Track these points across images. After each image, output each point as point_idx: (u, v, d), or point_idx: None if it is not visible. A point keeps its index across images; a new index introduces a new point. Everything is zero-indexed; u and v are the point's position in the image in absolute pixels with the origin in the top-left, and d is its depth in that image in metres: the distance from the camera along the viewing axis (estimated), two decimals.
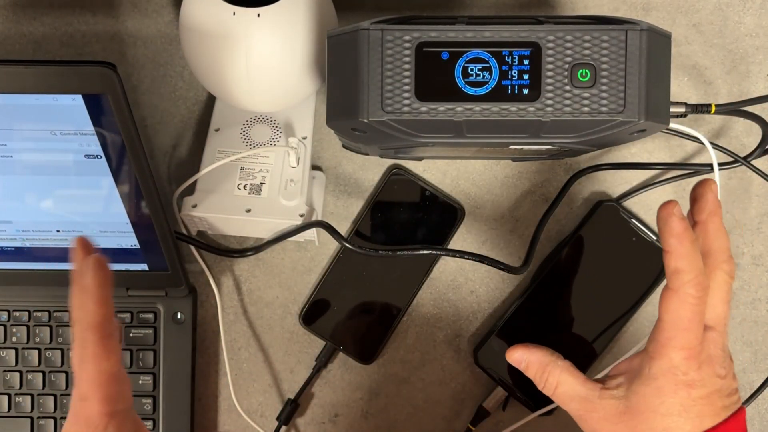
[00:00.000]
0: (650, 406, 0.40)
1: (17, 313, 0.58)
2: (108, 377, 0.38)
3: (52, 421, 0.58)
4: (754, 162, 0.58)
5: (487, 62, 0.42)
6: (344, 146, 0.57)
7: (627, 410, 0.41)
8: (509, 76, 0.42)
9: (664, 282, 0.41)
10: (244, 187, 0.57)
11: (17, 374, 0.58)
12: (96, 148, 0.49)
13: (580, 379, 0.44)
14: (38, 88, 0.46)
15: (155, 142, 0.62)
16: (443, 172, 0.62)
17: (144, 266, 0.56)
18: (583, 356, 0.59)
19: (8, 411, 0.58)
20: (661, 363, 0.40)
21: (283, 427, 0.59)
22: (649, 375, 0.41)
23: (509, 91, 0.42)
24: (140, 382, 0.58)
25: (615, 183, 0.62)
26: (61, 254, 0.56)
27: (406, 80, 0.42)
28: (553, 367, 0.45)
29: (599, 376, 0.46)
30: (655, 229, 0.61)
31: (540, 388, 0.46)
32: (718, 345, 0.41)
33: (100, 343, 0.37)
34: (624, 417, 0.41)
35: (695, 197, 0.43)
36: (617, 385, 0.43)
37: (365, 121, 0.42)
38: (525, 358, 0.47)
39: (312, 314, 0.60)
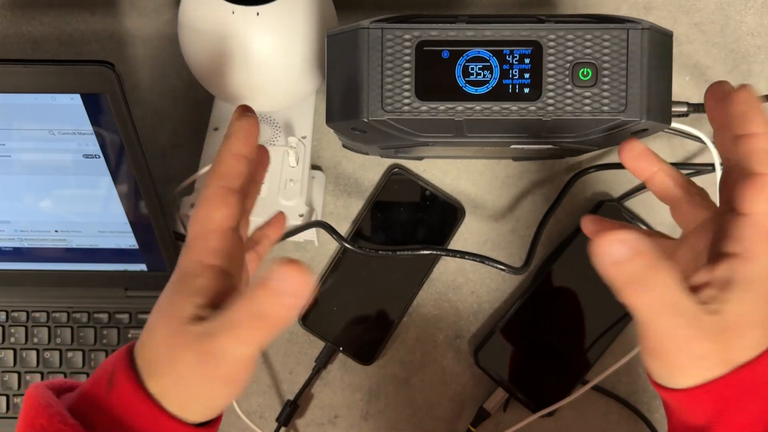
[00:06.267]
0: (749, 318, 0.34)
1: (15, 314, 0.58)
2: (212, 228, 0.35)
3: None
4: None
5: (487, 61, 0.42)
6: (344, 146, 0.57)
7: (725, 327, 0.33)
8: (510, 75, 0.42)
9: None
10: None
11: (15, 375, 0.58)
12: (94, 147, 0.49)
13: (683, 287, 0.33)
14: (37, 88, 0.45)
15: (154, 141, 0.62)
16: (443, 171, 0.62)
17: (143, 266, 0.56)
18: (585, 356, 0.58)
19: (6, 412, 0.58)
20: (757, 265, 0.34)
21: (283, 429, 0.59)
22: (745, 280, 0.34)
23: (510, 91, 0.42)
24: None
25: (617, 183, 0.61)
26: (60, 254, 0.56)
27: (407, 79, 0.42)
28: (662, 266, 0.33)
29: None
30: (658, 228, 0.60)
31: (625, 289, 0.33)
32: None
33: (219, 191, 0.35)
34: (722, 336, 0.33)
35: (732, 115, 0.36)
36: (710, 298, 0.34)
37: (365, 120, 0.42)
38: (636, 245, 0.32)
39: (311, 314, 0.60)
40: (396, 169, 0.61)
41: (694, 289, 0.35)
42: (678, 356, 0.34)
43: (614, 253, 0.32)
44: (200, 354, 0.32)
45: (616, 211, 0.60)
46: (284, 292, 0.31)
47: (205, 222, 0.35)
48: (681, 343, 0.34)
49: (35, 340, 0.58)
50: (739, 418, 0.34)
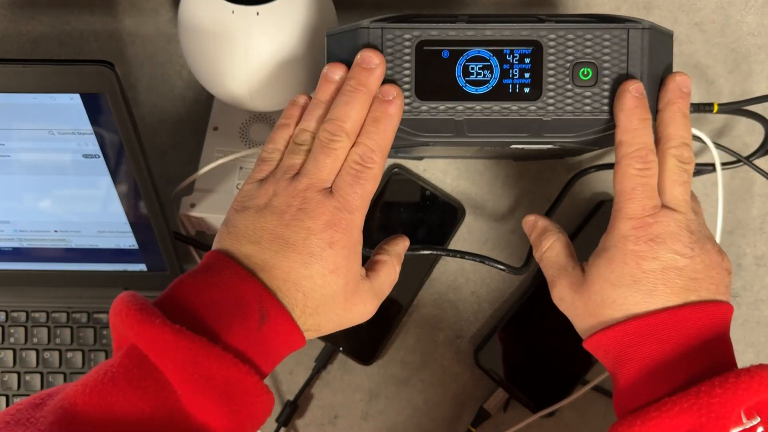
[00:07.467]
0: (602, 276, 0.42)
1: (15, 314, 0.58)
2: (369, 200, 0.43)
3: None
4: (756, 161, 0.58)
5: (488, 61, 0.42)
6: None
7: (585, 281, 0.43)
8: (510, 75, 0.42)
9: None
10: None
11: (15, 375, 0.58)
12: (94, 147, 0.48)
13: (568, 252, 0.46)
14: (36, 87, 0.45)
15: (153, 141, 0.62)
16: (443, 171, 0.62)
17: (143, 266, 0.56)
18: (586, 356, 0.58)
19: None
20: (612, 233, 0.42)
21: (282, 429, 0.59)
22: (603, 246, 0.42)
23: (510, 90, 0.42)
24: None
25: None
26: (60, 254, 0.56)
27: (407, 79, 0.42)
28: (551, 234, 0.47)
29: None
30: None
31: (534, 251, 0.48)
32: (680, 224, 0.41)
33: (381, 170, 0.42)
34: (582, 287, 0.43)
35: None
36: (586, 264, 0.44)
37: None
38: (534, 223, 0.48)
39: None
40: (396, 169, 0.61)
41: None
42: (563, 303, 0.45)
43: (525, 225, 0.49)
44: (373, 301, 0.44)
45: None
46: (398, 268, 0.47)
47: (370, 196, 0.42)
48: (560, 289, 0.44)
49: (35, 340, 0.58)
50: (632, 366, 0.40)
